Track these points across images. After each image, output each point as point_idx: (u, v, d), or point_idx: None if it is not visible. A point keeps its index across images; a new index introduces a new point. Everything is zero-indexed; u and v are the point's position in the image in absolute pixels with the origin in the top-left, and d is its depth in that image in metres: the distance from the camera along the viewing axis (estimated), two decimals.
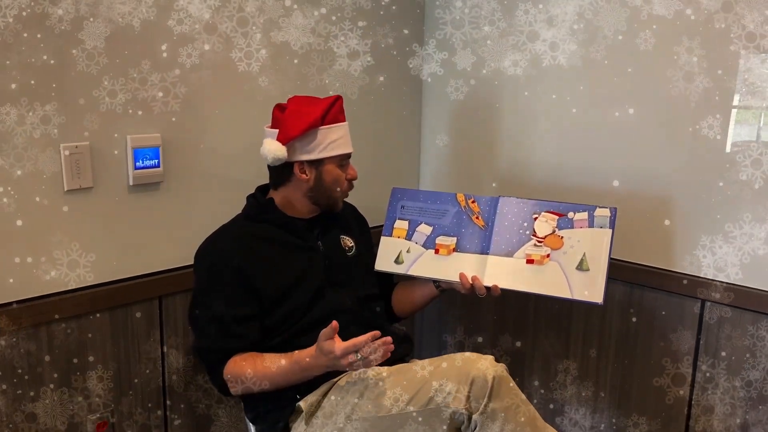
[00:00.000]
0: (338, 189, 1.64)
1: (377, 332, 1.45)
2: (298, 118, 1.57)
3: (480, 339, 2.21)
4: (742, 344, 1.69)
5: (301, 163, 1.59)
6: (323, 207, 1.66)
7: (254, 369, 1.50)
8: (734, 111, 1.65)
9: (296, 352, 1.50)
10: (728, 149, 1.66)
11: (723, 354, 1.72)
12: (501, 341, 2.16)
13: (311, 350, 1.46)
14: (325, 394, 1.53)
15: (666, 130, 1.75)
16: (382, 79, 2.09)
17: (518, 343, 2.12)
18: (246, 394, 1.57)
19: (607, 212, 1.60)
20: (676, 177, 1.75)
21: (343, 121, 1.63)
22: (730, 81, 1.63)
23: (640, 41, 1.75)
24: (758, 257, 1.65)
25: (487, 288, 1.62)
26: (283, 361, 1.49)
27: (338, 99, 1.62)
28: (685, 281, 1.75)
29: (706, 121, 1.68)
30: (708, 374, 1.75)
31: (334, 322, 1.42)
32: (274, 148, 1.56)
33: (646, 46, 1.74)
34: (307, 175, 1.60)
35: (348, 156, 1.65)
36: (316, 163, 1.60)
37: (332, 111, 1.60)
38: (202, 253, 1.59)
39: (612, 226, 1.59)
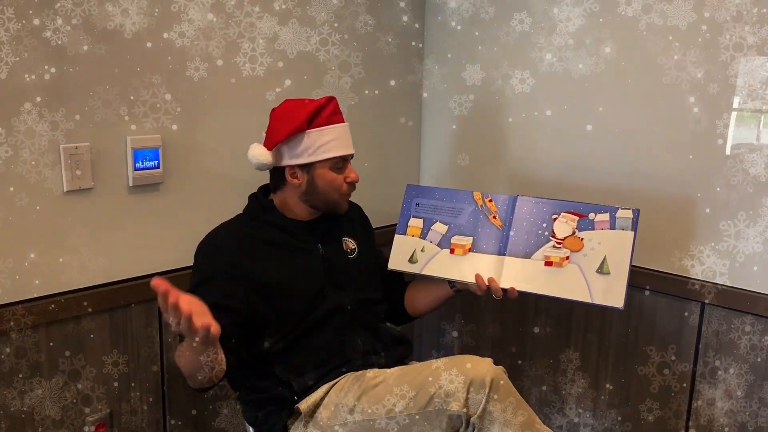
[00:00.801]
0: (334, 192, 1.57)
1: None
2: (282, 122, 1.52)
3: (478, 327, 2.20)
4: (739, 343, 1.70)
5: (292, 167, 1.54)
6: (322, 210, 1.60)
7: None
8: (734, 114, 1.64)
9: None
10: (728, 152, 1.65)
11: (722, 353, 1.73)
12: (500, 330, 2.15)
13: None
14: (324, 396, 1.51)
15: (666, 132, 1.73)
16: (380, 88, 2.08)
17: (517, 333, 2.11)
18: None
19: (629, 213, 1.56)
20: (676, 179, 1.74)
21: (339, 122, 1.56)
22: (731, 84, 1.62)
23: (641, 47, 1.73)
24: (756, 259, 1.66)
25: (504, 290, 1.58)
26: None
27: (331, 101, 1.55)
28: (683, 283, 1.74)
29: (705, 122, 1.67)
30: (708, 372, 1.77)
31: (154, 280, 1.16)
32: (257, 153, 1.53)
33: (651, 50, 1.72)
34: (298, 180, 1.55)
35: (344, 158, 1.57)
36: (307, 167, 1.54)
37: (323, 113, 1.53)
38: (202, 249, 1.53)
39: (634, 228, 1.55)
